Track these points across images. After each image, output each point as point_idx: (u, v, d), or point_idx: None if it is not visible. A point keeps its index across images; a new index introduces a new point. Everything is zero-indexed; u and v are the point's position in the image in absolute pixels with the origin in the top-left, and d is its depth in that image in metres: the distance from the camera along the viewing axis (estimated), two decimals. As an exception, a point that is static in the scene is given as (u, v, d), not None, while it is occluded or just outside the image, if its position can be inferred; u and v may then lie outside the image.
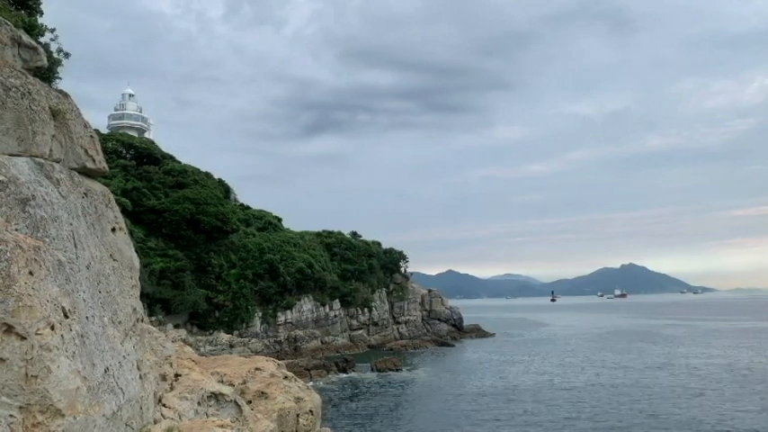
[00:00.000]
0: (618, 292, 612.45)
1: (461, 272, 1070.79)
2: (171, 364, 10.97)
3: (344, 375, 64.88)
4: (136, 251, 10.77)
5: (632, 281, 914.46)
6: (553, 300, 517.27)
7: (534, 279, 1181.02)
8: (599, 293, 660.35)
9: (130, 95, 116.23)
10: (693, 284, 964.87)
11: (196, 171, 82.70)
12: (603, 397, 47.87)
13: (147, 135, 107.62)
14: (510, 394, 50.30)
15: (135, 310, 9.45)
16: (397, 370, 67.14)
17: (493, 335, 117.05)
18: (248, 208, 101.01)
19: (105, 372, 7.42)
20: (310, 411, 16.32)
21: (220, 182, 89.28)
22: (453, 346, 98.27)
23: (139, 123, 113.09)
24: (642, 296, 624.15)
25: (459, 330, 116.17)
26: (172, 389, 10.37)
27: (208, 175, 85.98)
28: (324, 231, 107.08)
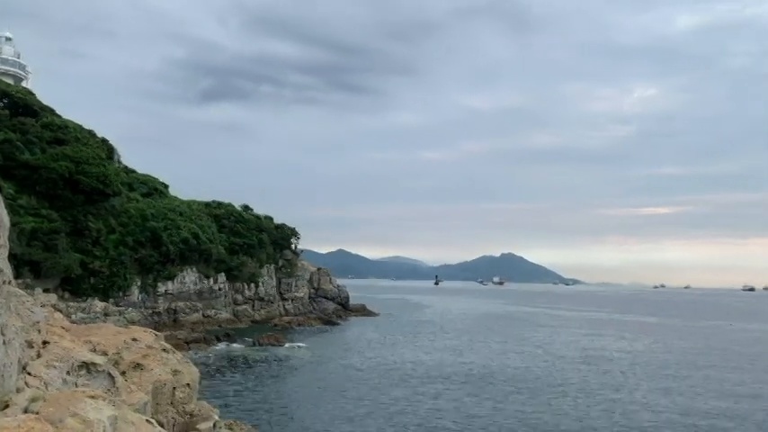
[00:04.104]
0: (497, 279, 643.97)
1: (352, 252, 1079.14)
2: (39, 331, 10.40)
3: (224, 348, 63.97)
4: (5, 208, 10.04)
5: (511, 269, 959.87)
6: (437, 283, 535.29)
7: (422, 262, 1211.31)
8: (479, 280, 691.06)
9: (7, 39, 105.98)
10: (566, 276, 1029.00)
11: (78, 128, 77.67)
12: (473, 376, 50.33)
13: (24, 84, 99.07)
14: (384, 373, 51.67)
15: (1, 271, 8.86)
16: (279, 345, 67.09)
17: (377, 315, 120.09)
18: (133, 171, 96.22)
19: (-36, 336, 6.95)
20: (187, 385, 16.06)
21: (104, 141, 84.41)
22: (338, 324, 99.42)
23: (15, 70, 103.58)
24: (519, 284, 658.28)
25: (345, 309, 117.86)
26: (39, 356, 9.85)
27: (91, 133, 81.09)
28: (213, 202, 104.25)
